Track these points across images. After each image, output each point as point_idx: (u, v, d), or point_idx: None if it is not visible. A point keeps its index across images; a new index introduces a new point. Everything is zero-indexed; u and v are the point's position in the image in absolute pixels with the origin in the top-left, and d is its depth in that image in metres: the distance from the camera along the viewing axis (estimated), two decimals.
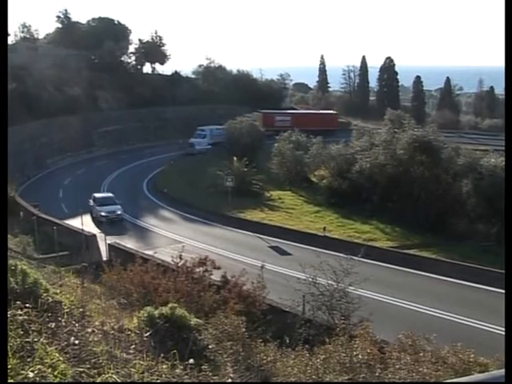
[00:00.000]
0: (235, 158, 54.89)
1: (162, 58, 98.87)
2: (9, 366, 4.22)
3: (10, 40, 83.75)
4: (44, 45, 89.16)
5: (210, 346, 8.04)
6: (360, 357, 9.59)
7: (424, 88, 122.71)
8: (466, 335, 18.21)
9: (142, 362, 5.23)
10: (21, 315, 5.13)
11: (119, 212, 42.69)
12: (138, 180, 58.18)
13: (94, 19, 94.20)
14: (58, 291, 6.89)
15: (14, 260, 7.43)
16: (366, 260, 23.45)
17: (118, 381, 4.62)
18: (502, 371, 3.40)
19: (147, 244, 35.31)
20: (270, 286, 17.55)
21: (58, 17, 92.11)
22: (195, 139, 74.43)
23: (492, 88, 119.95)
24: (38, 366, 4.32)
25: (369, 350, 9.95)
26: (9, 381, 4.05)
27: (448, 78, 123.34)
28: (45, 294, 6.20)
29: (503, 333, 4.14)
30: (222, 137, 70.10)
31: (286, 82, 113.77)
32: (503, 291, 4.80)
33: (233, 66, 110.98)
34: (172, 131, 76.78)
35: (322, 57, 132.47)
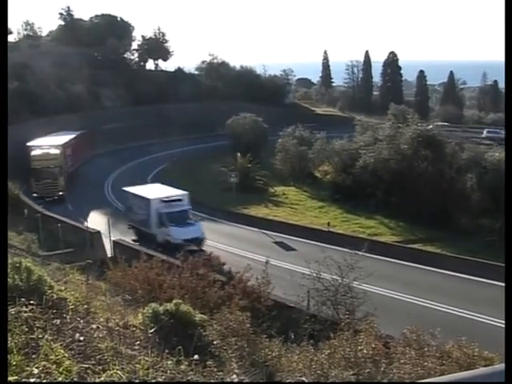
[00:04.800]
0: (239, 154, 54.92)
1: (165, 55, 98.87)
2: (13, 363, 4.23)
3: (13, 38, 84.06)
4: (47, 42, 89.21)
5: (214, 342, 8.05)
6: (365, 351, 9.59)
7: (427, 82, 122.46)
8: (467, 328, 18.17)
9: (146, 358, 5.23)
10: (25, 312, 5.14)
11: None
12: (142, 177, 58.05)
13: (96, 16, 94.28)
14: (63, 288, 6.91)
15: (18, 257, 7.45)
16: (370, 255, 23.42)
17: (123, 377, 4.62)
18: (503, 365, 3.40)
19: None
20: (274, 281, 17.54)
21: (61, 14, 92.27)
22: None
23: (496, 82, 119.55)
24: (43, 363, 4.33)
25: (374, 345, 9.94)
26: (11, 378, 4.06)
27: (451, 72, 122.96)
28: (49, 291, 6.21)
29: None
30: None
31: (289, 77, 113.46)
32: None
33: (236, 61, 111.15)
34: (175, 128, 76.69)
35: (325, 52, 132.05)
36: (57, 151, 49.32)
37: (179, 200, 34.67)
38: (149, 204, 34.27)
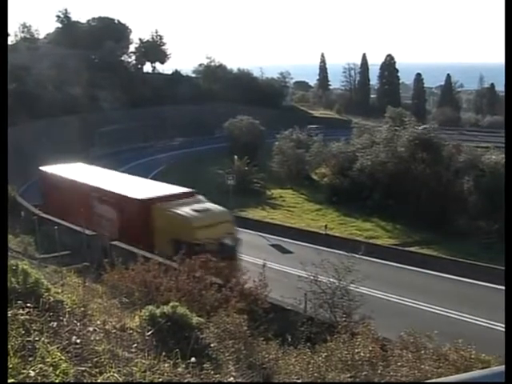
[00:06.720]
0: (236, 157, 54.93)
1: (163, 57, 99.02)
2: (10, 366, 4.22)
3: (11, 40, 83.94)
4: (44, 45, 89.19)
5: (211, 345, 8.02)
6: (362, 354, 9.57)
7: (425, 85, 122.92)
8: (468, 333, 18.17)
9: (143, 361, 5.22)
10: (22, 315, 5.12)
11: None
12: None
13: (94, 19, 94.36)
14: (60, 291, 6.89)
15: (15, 260, 7.43)
16: (367, 258, 23.43)
17: (120, 379, 4.62)
18: (502, 367, 3.39)
19: None
20: (271, 284, 17.51)
21: (58, 16, 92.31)
22: None
23: (493, 85, 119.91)
24: (40, 365, 4.32)
25: (371, 348, 9.93)
26: (9, 380, 4.05)
27: (448, 75, 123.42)
28: (46, 294, 6.19)
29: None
30: None
31: (286, 80, 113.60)
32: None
33: (233, 64, 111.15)
34: (172, 131, 76.68)
35: (322, 55, 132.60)
36: (223, 209, 27.19)
37: None
38: None
